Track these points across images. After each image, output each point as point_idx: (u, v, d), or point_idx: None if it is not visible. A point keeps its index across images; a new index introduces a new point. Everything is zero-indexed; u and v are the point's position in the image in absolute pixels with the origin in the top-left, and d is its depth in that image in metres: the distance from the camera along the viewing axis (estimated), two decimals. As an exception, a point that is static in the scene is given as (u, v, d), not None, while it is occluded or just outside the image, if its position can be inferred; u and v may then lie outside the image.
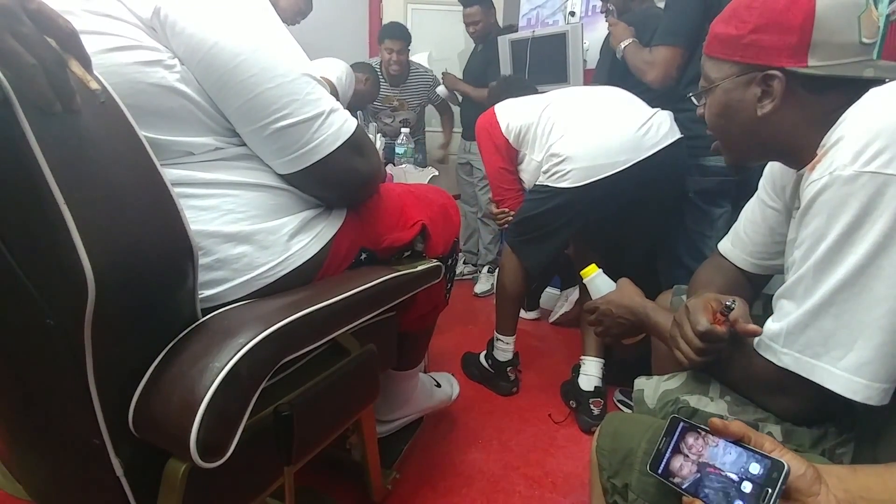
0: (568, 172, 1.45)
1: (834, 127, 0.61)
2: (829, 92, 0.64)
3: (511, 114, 1.64)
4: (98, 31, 0.56)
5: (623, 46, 1.59)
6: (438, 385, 1.40)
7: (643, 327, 0.89)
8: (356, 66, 2.43)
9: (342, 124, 0.71)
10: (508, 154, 1.66)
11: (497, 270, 2.76)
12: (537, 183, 1.57)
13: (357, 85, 2.33)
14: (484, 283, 2.74)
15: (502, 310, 1.72)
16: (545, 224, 1.54)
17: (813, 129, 0.64)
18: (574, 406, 1.59)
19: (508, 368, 1.73)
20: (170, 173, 0.57)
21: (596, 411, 1.53)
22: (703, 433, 0.54)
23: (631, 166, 1.43)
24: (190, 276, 0.57)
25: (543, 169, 1.53)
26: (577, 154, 1.44)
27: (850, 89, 0.62)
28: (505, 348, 1.73)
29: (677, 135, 1.46)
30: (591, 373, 1.59)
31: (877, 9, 0.66)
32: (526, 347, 2.06)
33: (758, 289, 0.91)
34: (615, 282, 0.99)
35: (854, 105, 0.61)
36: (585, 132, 1.47)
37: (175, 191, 0.55)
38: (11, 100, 0.41)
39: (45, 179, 0.43)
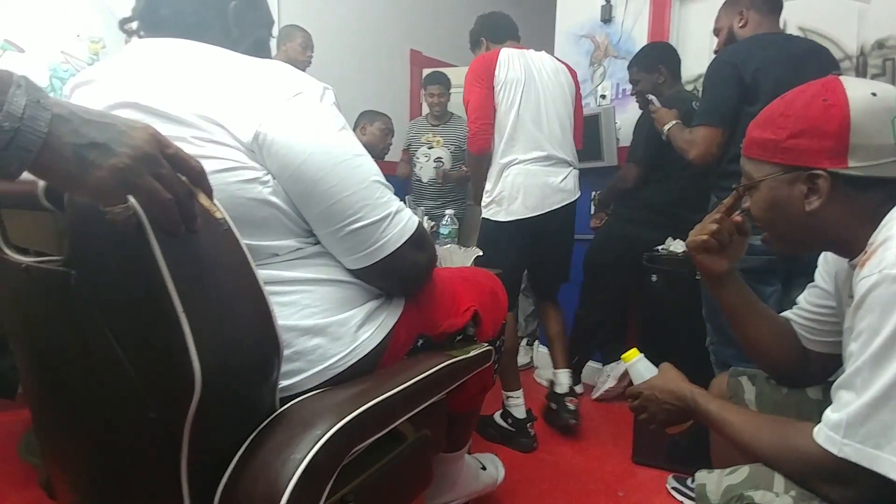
0: (500, 211, 1.90)
1: (881, 226, 0.64)
2: (874, 189, 0.68)
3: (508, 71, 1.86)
4: (208, 155, 0.65)
5: (667, 129, 1.67)
6: (483, 467, 1.38)
7: (690, 414, 0.87)
8: (367, 115, 2.74)
9: (406, 222, 0.78)
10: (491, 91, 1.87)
11: (534, 342, 2.77)
12: (482, 216, 1.98)
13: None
14: (523, 356, 2.72)
15: (501, 367, 1.79)
16: (492, 251, 1.85)
17: (861, 223, 0.68)
18: (554, 407, 1.94)
19: (528, 424, 1.82)
20: (259, 273, 0.64)
21: (572, 407, 1.91)
22: None
23: (538, 216, 1.87)
24: (276, 371, 0.62)
25: (484, 203, 1.96)
26: (509, 195, 1.87)
27: (895, 185, 0.66)
28: (517, 404, 1.83)
29: (575, 196, 1.96)
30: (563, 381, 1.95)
31: None
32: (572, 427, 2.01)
33: (817, 364, 0.90)
34: (657, 366, 0.97)
35: None
36: (525, 173, 1.87)
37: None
38: (144, 225, 0.49)
39: (168, 292, 0.49)
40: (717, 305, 1.50)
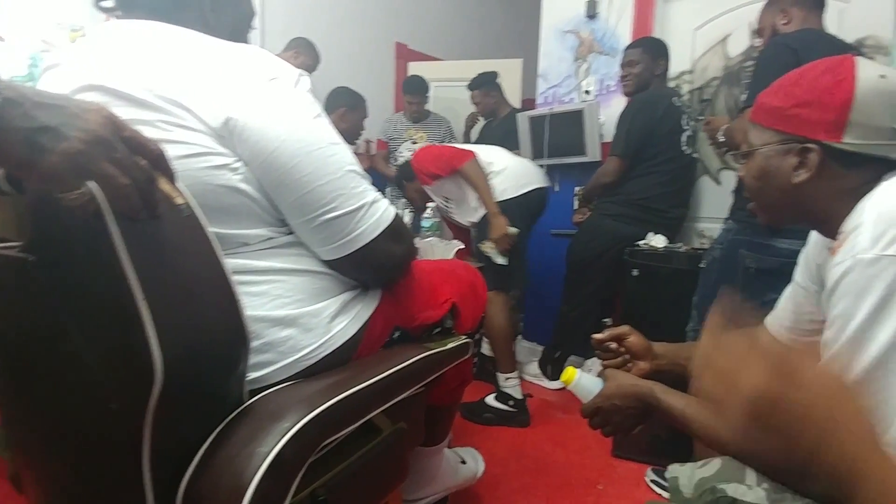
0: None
1: (852, 213, 0.65)
2: (860, 168, 0.69)
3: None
4: (175, 140, 0.63)
5: (721, 133, 1.61)
6: (463, 462, 1.37)
7: (652, 411, 0.84)
8: (337, 93, 2.57)
9: (382, 213, 0.77)
10: None
11: (517, 337, 2.78)
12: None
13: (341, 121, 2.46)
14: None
15: (498, 350, 1.99)
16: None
17: (842, 201, 0.69)
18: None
19: (527, 399, 2.01)
20: (227, 262, 0.62)
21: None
22: None
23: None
24: (242, 362, 0.61)
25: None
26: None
27: (880, 167, 0.67)
28: (515, 384, 1.97)
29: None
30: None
31: None
32: (551, 420, 2.03)
33: None
34: (595, 376, 0.93)
35: (869, 195, 0.65)
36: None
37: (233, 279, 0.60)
38: (103, 211, 0.47)
39: (127, 280, 0.48)
40: (711, 294, 1.52)
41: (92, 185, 0.46)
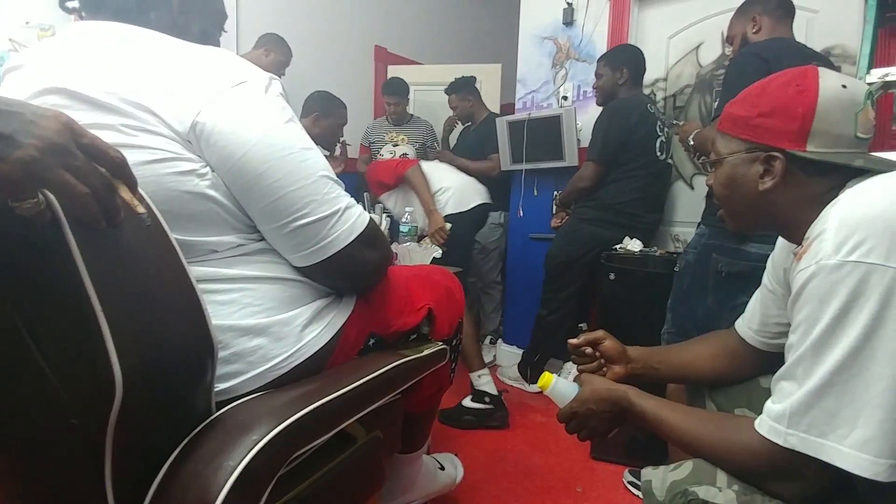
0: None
1: (817, 220, 0.67)
2: (824, 175, 0.71)
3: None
4: (138, 145, 0.61)
5: (692, 138, 1.62)
6: (442, 467, 1.37)
7: (626, 415, 0.85)
8: (313, 97, 2.45)
9: (356, 219, 0.76)
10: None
11: (497, 340, 2.79)
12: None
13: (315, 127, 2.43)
14: (486, 354, 2.72)
15: (464, 350, 1.97)
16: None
17: (807, 208, 0.71)
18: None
19: (503, 395, 1.99)
20: (195, 270, 0.61)
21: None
22: None
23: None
24: (209, 372, 0.59)
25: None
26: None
27: (844, 174, 0.69)
28: (488, 381, 1.95)
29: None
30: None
31: (874, 108, 0.72)
32: (532, 424, 2.03)
33: (762, 365, 0.93)
34: (571, 381, 0.94)
35: (833, 202, 0.66)
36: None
37: (199, 287, 0.59)
38: (60, 220, 0.45)
39: (85, 291, 0.46)
40: (685, 297, 1.55)
41: (48, 194, 0.44)
